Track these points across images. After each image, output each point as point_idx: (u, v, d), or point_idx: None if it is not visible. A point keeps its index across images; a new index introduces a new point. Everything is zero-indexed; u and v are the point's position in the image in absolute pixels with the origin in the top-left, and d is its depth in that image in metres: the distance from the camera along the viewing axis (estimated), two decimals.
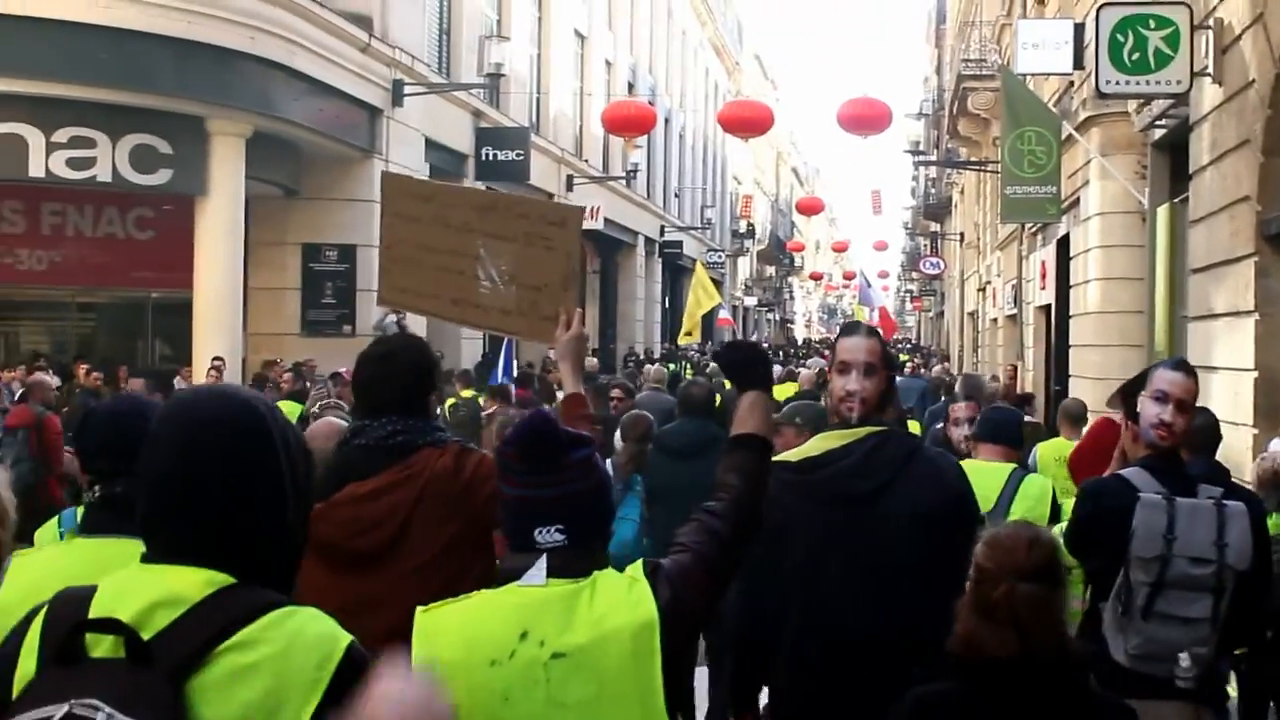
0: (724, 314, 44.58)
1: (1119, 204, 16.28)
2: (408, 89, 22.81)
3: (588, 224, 33.79)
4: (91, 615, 2.01)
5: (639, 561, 2.87)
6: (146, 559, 2.12)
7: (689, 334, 29.65)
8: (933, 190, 59.56)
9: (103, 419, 3.27)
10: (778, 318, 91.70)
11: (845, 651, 3.67)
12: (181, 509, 2.10)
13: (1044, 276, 22.37)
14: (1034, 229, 23.91)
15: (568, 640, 2.70)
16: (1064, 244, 20.10)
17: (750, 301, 74.25)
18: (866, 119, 25.97)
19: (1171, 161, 14.95)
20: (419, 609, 2.79)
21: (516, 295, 4.47)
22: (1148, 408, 4.57)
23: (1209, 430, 6.46)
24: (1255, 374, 9.61)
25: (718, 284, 55.61)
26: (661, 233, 48.05)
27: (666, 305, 51.72)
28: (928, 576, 3.80)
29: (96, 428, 3.24)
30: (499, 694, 2.67)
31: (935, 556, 3.86)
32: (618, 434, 7.93)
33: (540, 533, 2.78)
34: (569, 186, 34.01)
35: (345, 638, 2.12)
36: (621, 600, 2.75)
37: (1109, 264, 16.59)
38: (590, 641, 2.70)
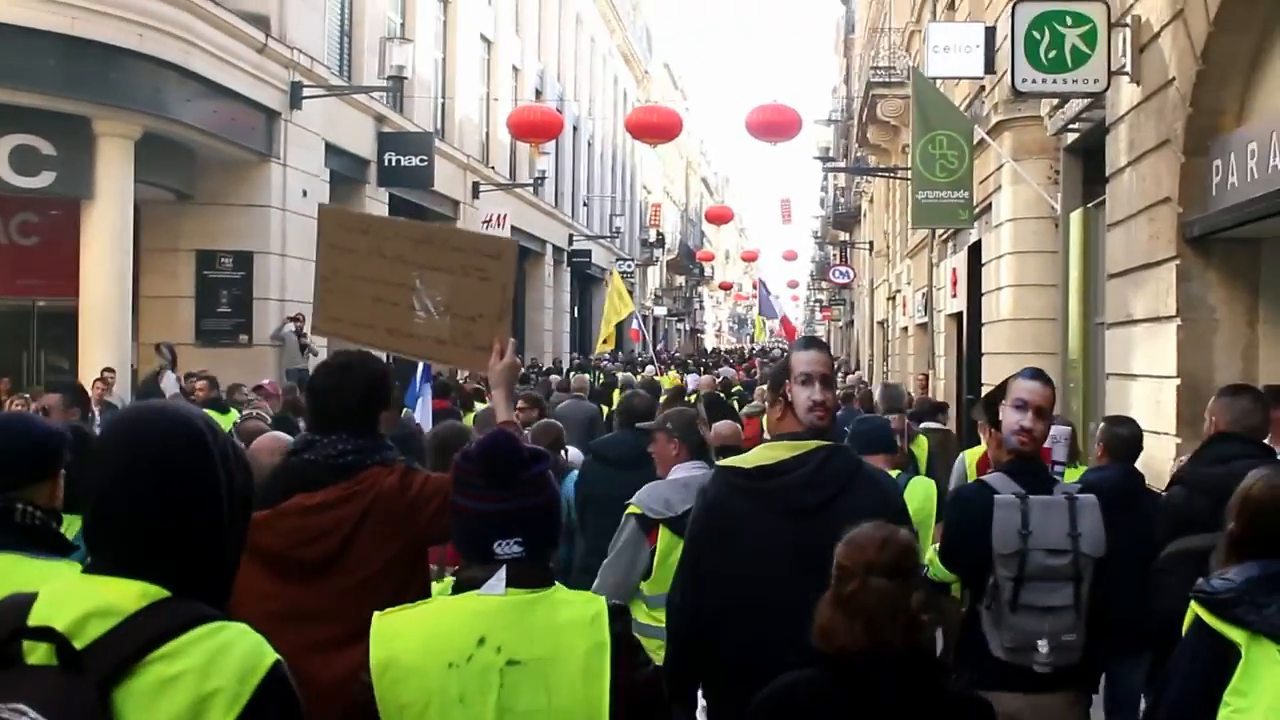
0: (634, 326, 44.27)
1: (1031, 209, 16.03)
2: (306, 91, 22.15)
3: (494, 230, 33.33)
4: (30, 623, 2.08)
5: (598, 597, 3.04)
6: (88, 570, 2.20)
7: (605, 341, 29.39)
8: (842, 199, 59.67)
9: None
10: (688, 327, 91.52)
11: (784, 652, 3.68)
12: (120, 524, 2.17)
13: (955, 284, 22.15)
14: (945, 236, 23.71)
15: (523, 650, 2.84)
16: (975, 250, 19.86)
17: (660, 311, 73.94)
18: (776, 125, 25.74)
19: (1085, 166, 14.72)
20: (376, 613, 2.89)
21: (451, 325, 4.60)
22: (1009, 415, 4.94)
23: (1133, 440, 6.89)
24: (1177, 381, 9.30)
25: (630, 293, 55.34)
26: (570, 241, 47.55)
27: (575, 315, 51.24)
28: None
29: None
30: (454, 696, 2.80)
31: None
32: None
33: (499, 545, 2.94)
34: (475, 193, 33.46)
35: (271, 655, 2.17)
36: (579, 619, 2.90)
37: (1021, 270, 16.33)
38: (545, 653, 2.84)
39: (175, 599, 2.15)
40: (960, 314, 22.00)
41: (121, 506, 2.19)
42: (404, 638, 2.85)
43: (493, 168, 36.18)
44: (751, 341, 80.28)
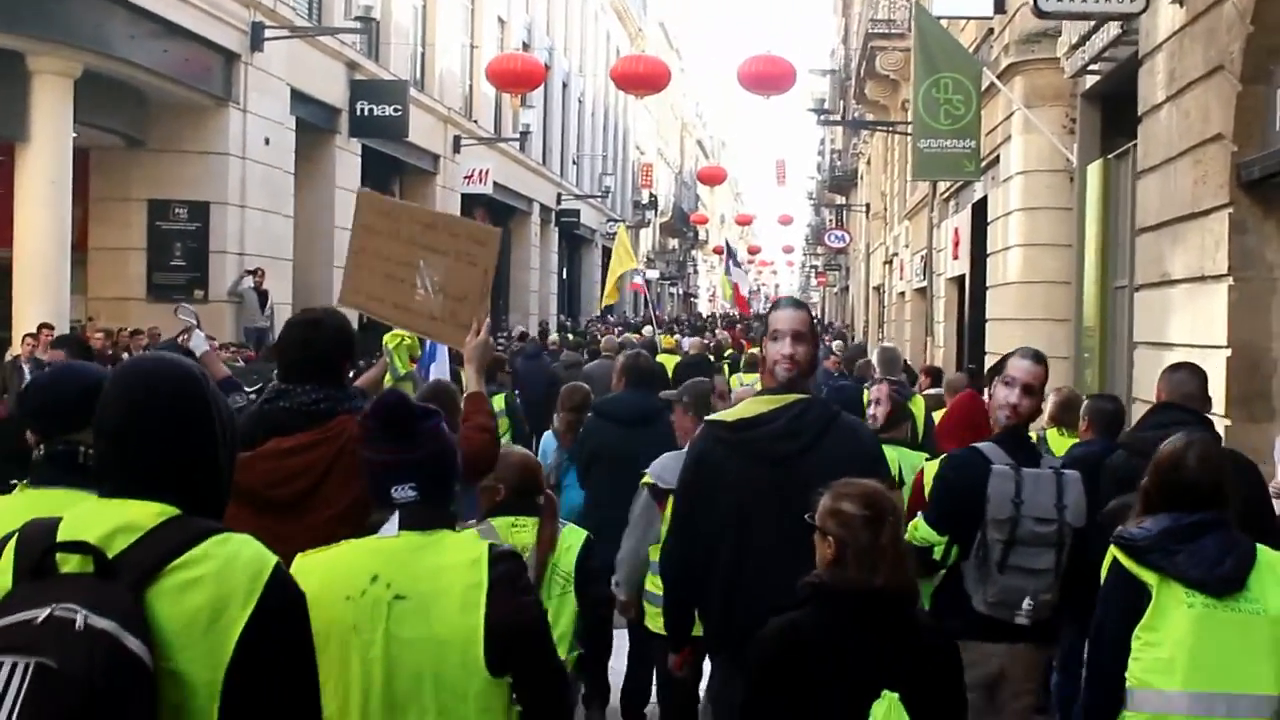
0: (638, 279, 43.25)
1: (1044, 161, 14.63)
2: (268, 32, 20.73)
3: (475, 188, 32.00)
4: (60, 539, 2.38)
5: (484, 541, 3.44)
6: (104, 495, 2.51)
7: (608, 295, 28.55)
8: (838, 162, 58.32)
9: (41, 386, 3.60)
10: (681, 291, 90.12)
11: (769, 593, 3.96)
12: (134, 453, 2.50)
13: (957, 245, 20.79)
14: (946, 194, 22.35)
15: (409, 585, 3.24)
16: (980, 209, 18.48)
17: (653, 274, 72.38)
18: (769, 77, 24.38)
19: (1104, 113, 13.43)
20: (298, 555, 3.27)
21: (442, 304, 5.05)
22: (999, 391, 5.38)
23: (1117, 415, 7.26)
24: (1227, 352, 7.98)
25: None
26: (558, 201, 46.13)
27: (564, 276, 49.84)
28: None
29: (36, 394, 3.57)
30: (350, 624, 3.22)
31: None
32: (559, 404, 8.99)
33: (396, 490, 3.33)
34: (456, 148, 32.03)
35: (273, 558, 2.51)
36: (461, 560, 3.29)
37: (1032, 229, 14.94)
38: (428, 589, 3.24)
39: (186, 516, 2.47)
40: (962, 277, 20.63)
41: (139, 439, 2.49)
42: (312, 575, 3.09)
43: (475, 121, 34.68)
44: (720, 301, 78.75)
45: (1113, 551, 4.13)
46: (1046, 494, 5.18)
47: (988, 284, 17.20)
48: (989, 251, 17.08)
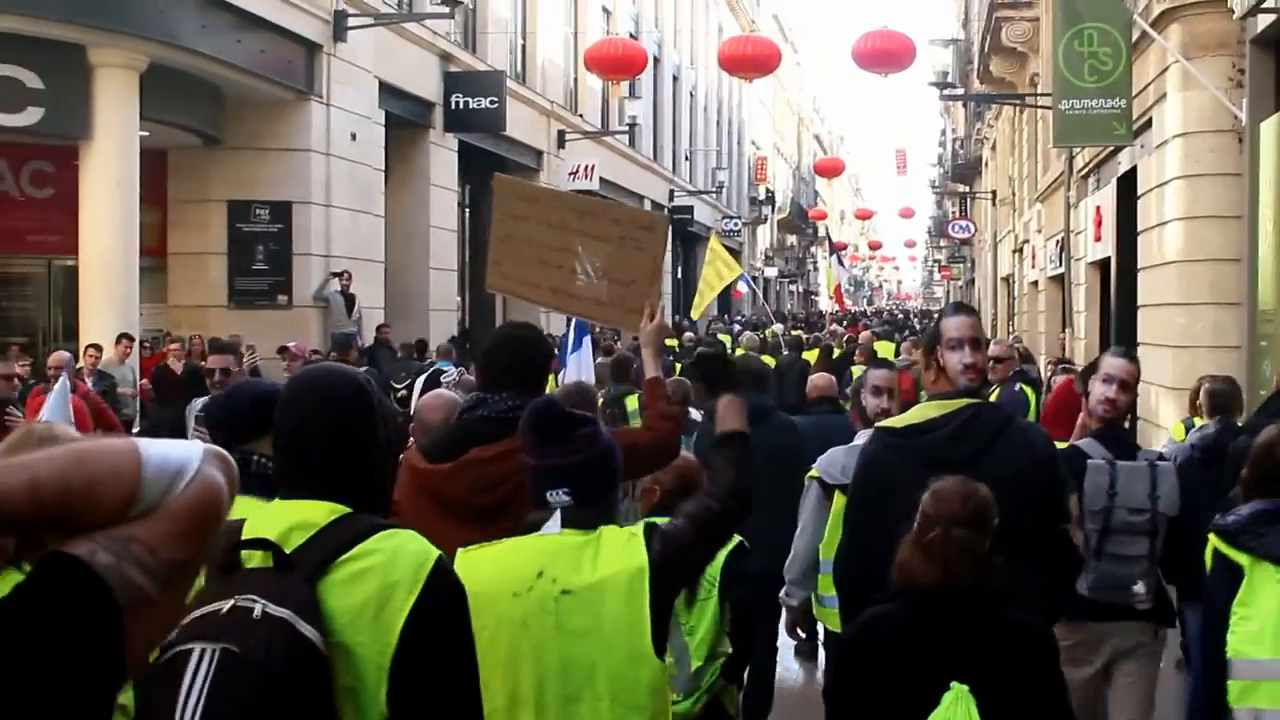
0: (740, 286, 41.88)
1: (1207, 121, 12.72)
2: (352, 21, 19.57)
3: (580, 184, 30.68)
4: (244, 538, 2.63)
5: (641, 522, 3.65)
6: (282, 496, 2.77)
7: (696, 310, 27.33)
8: (961, 150, 56.07)
9: (219, 400, 4.25)
10: (801, 289, 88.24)
11: None
12: (308, 457, 2.74)
13: (1099, 225, 18.86)
14: (1084, 170, 20.42)
15: (575, 580, 3.37)
16: (1127, 182, 16.55)
17: (771, 272, 70.85)
18: (887, 54, 22.90)
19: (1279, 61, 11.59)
20: (460, 550, 3.40)
21: (608, 288, 5.11)
22: (1096, 388, 5.76)
23: (1231, 395, 7.40)
24: None
25: (735, 254, 52.43)
26: (670, 198, 44.73)
27: (679, 276, 48.34)
28: (1017, 534, 4.03)
29: (215, 408, 4.15)
30: (519, 620, 3.35)
31: (1025, 515, 4.25)
32: None
33: (551, 494, 3.46)
34: (560, 142, 30.81)
35: (435, 552, 2.67)
36: (620, 551, 3.41)
37: (1194, 199, 12.98)
38: (593, 582, 3.36)
39: (355, 514, 2.70)
40: (1106, 260, 18.70)
41: (311, 443, 2.74)
42: (478, 571, 3.29)
43: (581, 115, 33.42)
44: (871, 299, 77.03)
45: (1211, 539, 4.50)
46: (1141, 485, 5.54)
47: (1139, 266, 15.36)
48: (1140, 229, 15.20)
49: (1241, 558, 4.37)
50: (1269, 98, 11.78)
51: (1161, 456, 5.91)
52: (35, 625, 1.46)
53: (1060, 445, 5.55)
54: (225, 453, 1.72)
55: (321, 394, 2.80)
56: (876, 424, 5.31)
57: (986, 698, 3.57)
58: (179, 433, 11.25)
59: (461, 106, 23.79)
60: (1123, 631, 5.60)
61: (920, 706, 3.58)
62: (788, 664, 8.81)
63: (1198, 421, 8.03)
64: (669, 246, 42.11)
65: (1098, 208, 19.10)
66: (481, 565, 3.37)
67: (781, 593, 6.64)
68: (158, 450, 1.60)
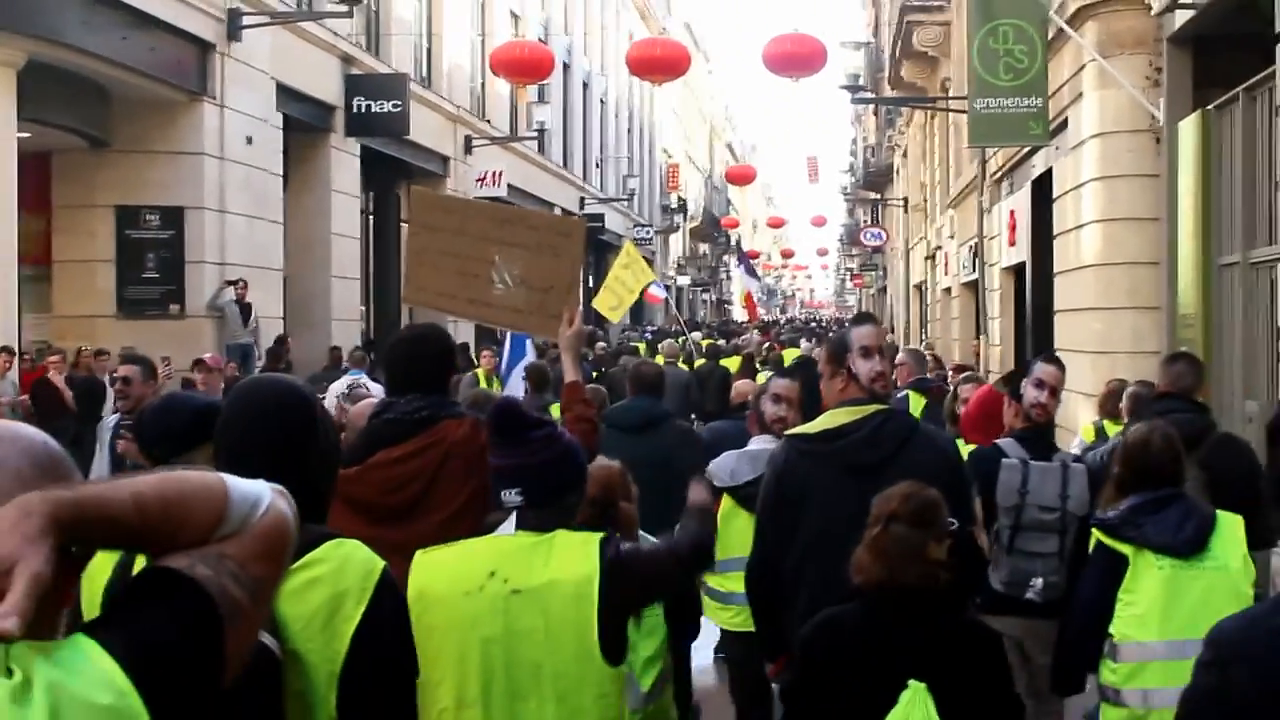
0: (654, 290, 41.56)
1: (1124, 121, 12.41)
2: (247, 19, 18.82)
3: (488, 190, 30.06)
4: None
5: (595, 536, 3.57)
6: None
7: (614, 310, 26.79)
8: (872, 158, 56.10)
9: (155, 413, 3.99)
10: (714, 298, 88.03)
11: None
12: (254, 466, 2.38)
13: (1013, 229, 18.61)
14: (998, 174, 20.19)
15: (525, 580, 3.42)
16: (1042, 185, 16.28)
17: (684, 281, 70.48)
18: (798, 57, 22.43)
19: (1197, 59, 11.30)
20: (418, 551, 3.51)
21: (526, 296, 5.15)
22: (1029, 392, 6.05)
23: (1148, 400, 7.18)
24: None
25: (649, 263, 51.92)
26: (581, 205, 44.17)
27: (591, 284, 47.81)
28: None
29: (151, 422, 3.95)
30: (469, 619, 3.41)
31: None
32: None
33: (505, 494, 3.53)
34: (467, 148, 30.11)
35: (380, 561, 2.76)
36: (572, 555, 3.47)
37: (1111, 201, 12.66)
38: (543, 584, 3.41)
39: (302, 524, 2.34)
40: (1021, 265, 18.45)
41: (257, 453, 2.73)
42: (431, 572, 3.46)
43: (489, 121, 32.77)
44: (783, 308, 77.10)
45: (1095, 533, 4.88)
46: (1052, 485, 5.77)
47: (1055, 270, 15.06)
48: (1056, 233, 14.92)
49: (1125, 548, 4.74)
50: (1186, 96, 11.52)
51: (1078, 459, 6.26)
52: (153, 632, 1.57)
53: (981, 446, 6.23)
54: (283, 489, 1.83)
55: (267, 405, 2.88)
56: (787, 432, 5.41)
57: (942, 696, 3.63)
58: (80, 445, 10.62)
59: (364, 110, 23.04)
60: (1027, 627, 5.77)
61: (879, 704, 3.65)
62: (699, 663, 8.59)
63: (1107, 424, 8.46)
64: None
65: (1011, 212, 18.87)
66: (436, 566, 3.47)
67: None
68: (236, 480, 1.73)
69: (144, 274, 18.20)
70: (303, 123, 21.76)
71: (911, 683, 3.64)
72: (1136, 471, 4.88)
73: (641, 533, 5.21)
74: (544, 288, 5.13)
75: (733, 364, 18.60)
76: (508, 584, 3.41)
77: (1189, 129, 11.00)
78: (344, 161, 23.32)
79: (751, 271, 45.28)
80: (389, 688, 2.73)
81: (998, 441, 6.08)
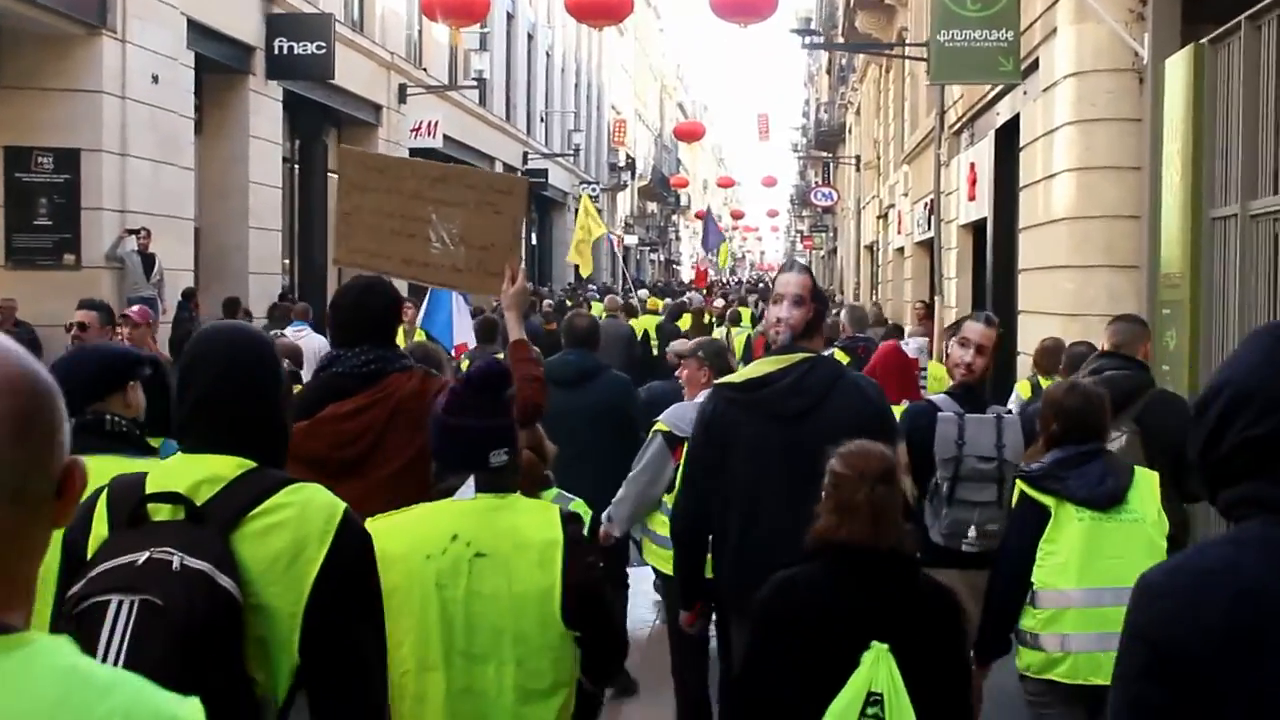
0: (611, 238, 40.68)
1: (1104, 59, 11.19)
2: None
3: (423, 141, 28.70)
4: (150, 491, 2.69)
5: (554, 504, 3.75)
6: (186, 450, 2.82)
7: (584, 267, 26.14)
8: (824, 116, 54.94)
9: (63, 364, 4.04)
10: (662, 258, 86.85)
11: (780, 545, 4.21)
12: (217, 413, 2.78)
13: (973, 184, 17.41)
14: (957, 125, 19.01)
15: (489, 543, 3.43)
16: (1007, 134, 15.08)
17: (631, 240, 69.24)
18: (746, 3, 21.13)
19: None
20: (369, 518, 3.23)
21: (465, 255, 5.12)
22: (954, 351, 6.28)
23: (1081, 358, 7.38)
24: None
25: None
26: (525, 160, 42.79)
27: (534, 241, 46.46)
28: None
29: (59, 372, 3.22)
30: (431, 581, 3.39)
31: None
32: None
33: (494, 455, 3.51)
34: (402, 97, 28.65)
35: (342, 504, 2.79)
36: (536, 519, 3.51)
37: (1088, 148, 11.44)
38: (507, 547, 3.43)
39: (262, 468, 2.76)
40: (982, 222, 17.26)
41: (223, 399, 2.79)
42: (392, 535, 3.35)
43: (425, 70, 31.30)
44: (719, 271, 76.30)
45: (1019, 484, 5.11)
46: (987, 435, 6.00)
47: (1020, 226, 13.90)
48: (1022, 184, 13.75)
49: (1047, 499, 4.94)
50: (1174, 31, 10.35)
51: (1010, 411, 6.53)
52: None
53: (915, 402, 6.69)
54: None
55: (232, 351, 2.87)
56: (716, 381, 5.55)
57: (902, 657, 3.66)
58: None
59: (285, 51, 21.61)
60: (964, 578, 5.67)
61: (839, 666, 3.66)
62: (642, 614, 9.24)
63: (1043, 380, 8.67)
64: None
65: (972, 164, 17.66)
66: (396, 529, 3.42)
67: (602, 520, 6.85)
68: None
69: (36, 220, 16.79)
70: (218, 63, 20.35)
71: (874, 644, 3.66)
72: (1061, 425, 5.07)
73: (561, 491, 5.26)
74: (483, 245, 5.10)
75: (684, 323, 18.27)
76: (471, 547, 3.42)
77: (1178, 66, 9.83)
78: (264, 106, 21.87)
79: (708, 241, 45.27)
80: (353, 629, 2.74)
81: (930, 398, 6.49)
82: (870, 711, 3.63)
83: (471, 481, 3.51)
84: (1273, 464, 2.05)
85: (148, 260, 17.18)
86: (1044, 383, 8.55)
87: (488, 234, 5.09)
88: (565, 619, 3.41)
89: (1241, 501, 2.09)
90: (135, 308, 13.65)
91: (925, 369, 11.65)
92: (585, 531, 4.45)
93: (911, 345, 12.62)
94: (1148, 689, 2.05)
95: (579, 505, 5.15)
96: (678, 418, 6.59)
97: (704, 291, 36.93)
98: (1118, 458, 5.11)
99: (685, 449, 5.98)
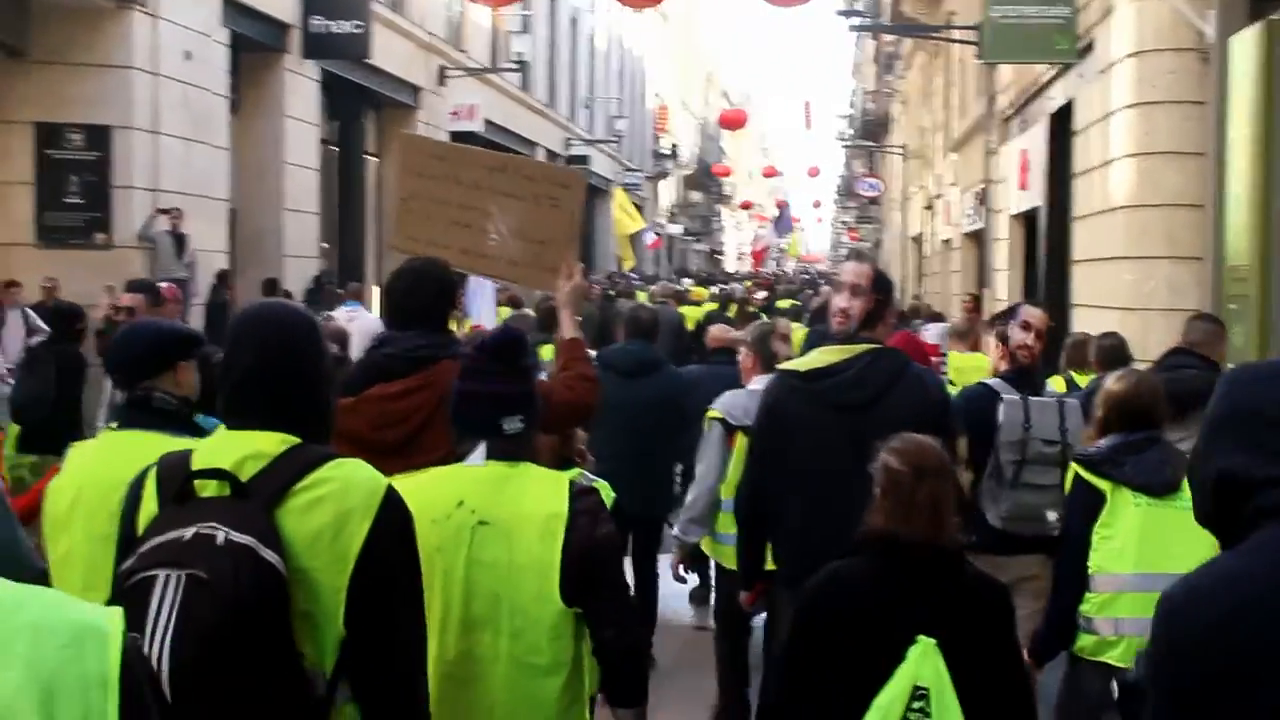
0: (650, 237, 40.26)
1: (1165, 38, 10.65)
2: None
3: (462, 124, 28.34)
4: (196, 468, 2.72)
5: (566, 475, 3.74)
6: (230, 427, 2.83)
7: (628, 260, 25.93)
8: (871, 105, 54.31)
9: (117, 342, 4.20)
10: (707, 249, 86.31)
11: (841, 535, 4.06)
12: (261, 389, 2.81)
13: (1025, 171, 16.84)
14: (1009, 112, 18.46)
15: (493, 512, 3.43)
16: (1061, 119, 14.55)
17: (675, 229, 68.79)
18: None
19: None
20: (388, 480, 3.08)
21: (522, 248, 5.08)
22: (1015, 334, 6.29)
23: (1118, 349, 7.88)
24: None
25: (638, 208, 50.33)
26: (566, 147, 42.39)
27: (582, 233, 46.05)
28: None
29: (114, 350, 4.19)
30: (435, 545, 3.36)
31: None
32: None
33: (507, 421, 3.52)
34: (441, 79, 28.30)
35: (384, 480, 2.83)
36: (544, 491, 3.49)
37: (1148, 133, 10.88)
38: (511, 516, 3.43)
39: (305, 444, 2.78)
40: (1033, 211, 16.73)
41: (267, 375, 2.81)
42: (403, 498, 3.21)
43: (465, 52, 30.93)
44: (779, 262, 75.98)
45: (1074, 467, 5.14)
46: (1051, 419, 5.99)
47: (1074, 215, 13.38)
48: (1076, 172, 13.21)
49: (1103, 484, 4.95)
50: (1242, 8, 9.81)
51: (1084, 396, 6.60)
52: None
53: (970, 385, 6.63)
54: None
55: (278, 329, 2.89)
56: (779, 366, 5.62)
57: (950, 652, 3.62)
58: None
59: (322, 30, 21.32)
60: (1019, 565, 5.84)
61: (884, 660, 3.61)
62: (679, 606, 9.30)
63: (1075, 375, 8.60)
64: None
65: (1023, 151, 17.10)
66: (404, 492, 3.12)
67: (677, 529, 7.09)
68: None
69: (66, 199, 16.45)
70: (254, 41, 20.04)
71: (920, 638, 3.62)
72: (1119, 414, 5.08)
73: (584, 472, 5.12)
74: (541, 240, 5.06)
75: (732, 312, 18.44)
76: (475, 514, 3.43)
77: (1246, 45, 9.31)
78: (300, 85, 21.56)
79: (779, 227, 44.88)
80: (397, 603, 2.77)
81: (985, 382, 6.42)
82: (916, 706, 3.61)
83: (483, 448, 3.54)
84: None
85: (179, 240, 16.88)
86: (1077, 377, 8.51)
87: (545, 228, 5.06)
88: (565, 594, 3.40)
89: (1256, 511, 2.08)
90: (164, 284, 13.42)
91: (946, 355, 11.13)
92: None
93: (931, 331, 12.24)
94: (1163, 702, 2.07)
95: (602, 486, 4.96)
96: (733, 405, 6.67)
97: (752, 279, 36.62)
98: (1174, 448, 5.02)
99: (747, 435, 6.17)
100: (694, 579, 8.48)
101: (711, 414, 6.80)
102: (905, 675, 3.59)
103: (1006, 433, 5.95)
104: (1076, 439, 5.90)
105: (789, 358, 6.57)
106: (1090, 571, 4.93)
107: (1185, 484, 4.67)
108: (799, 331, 19.52)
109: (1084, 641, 5.03)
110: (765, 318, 19.91)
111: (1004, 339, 6.37)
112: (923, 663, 3.60)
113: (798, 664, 3.88)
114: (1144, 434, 5.00)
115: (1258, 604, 1.97)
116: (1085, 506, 4.98)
